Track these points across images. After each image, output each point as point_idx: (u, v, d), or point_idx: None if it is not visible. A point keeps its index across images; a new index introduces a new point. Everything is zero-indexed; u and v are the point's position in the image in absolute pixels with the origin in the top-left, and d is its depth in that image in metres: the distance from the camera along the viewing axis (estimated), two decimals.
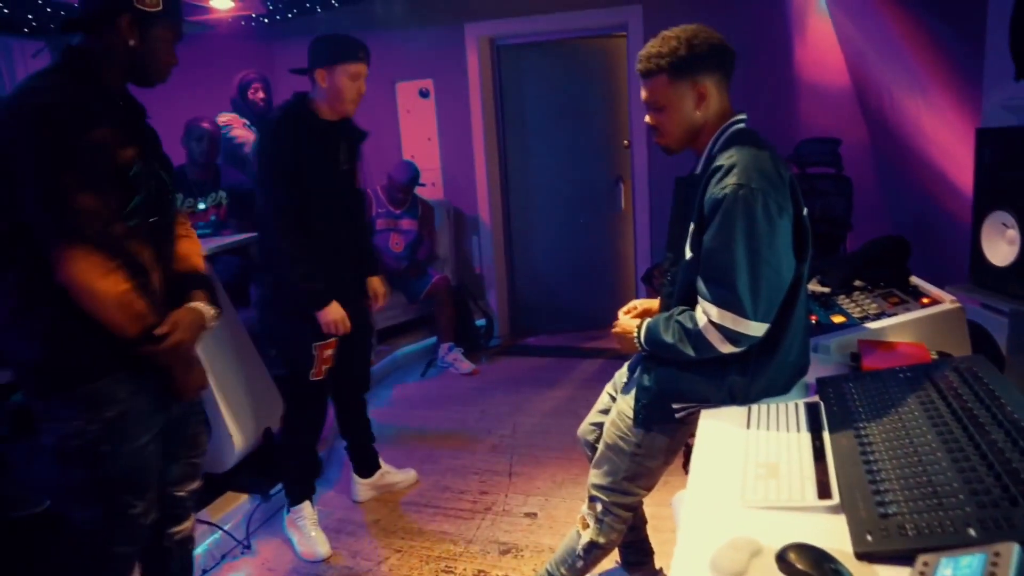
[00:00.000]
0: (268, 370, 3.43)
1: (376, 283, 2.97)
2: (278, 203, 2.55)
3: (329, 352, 2.71)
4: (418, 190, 4.87)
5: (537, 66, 5.03)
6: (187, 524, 2.00)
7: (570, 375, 4.51)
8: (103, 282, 1.52)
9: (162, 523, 1.91)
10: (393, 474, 3.21)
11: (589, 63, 4.99)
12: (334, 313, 2.63)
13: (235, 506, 2.96)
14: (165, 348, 1.65)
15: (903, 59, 3.13)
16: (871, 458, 1.27)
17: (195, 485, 1.99)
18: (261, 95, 4.14)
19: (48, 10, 3.82)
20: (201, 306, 1.78)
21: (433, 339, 4.87)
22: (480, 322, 5.14)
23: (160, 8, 1.66)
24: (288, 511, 2.88)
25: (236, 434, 2.99)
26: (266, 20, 4.82)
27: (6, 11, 3.74)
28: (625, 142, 5.01)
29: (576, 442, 2.32)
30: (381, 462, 3.18)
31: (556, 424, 3.76)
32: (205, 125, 3.64)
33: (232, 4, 3.73)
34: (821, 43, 3.94)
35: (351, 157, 2.74)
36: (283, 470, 2.91)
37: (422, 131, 5.18)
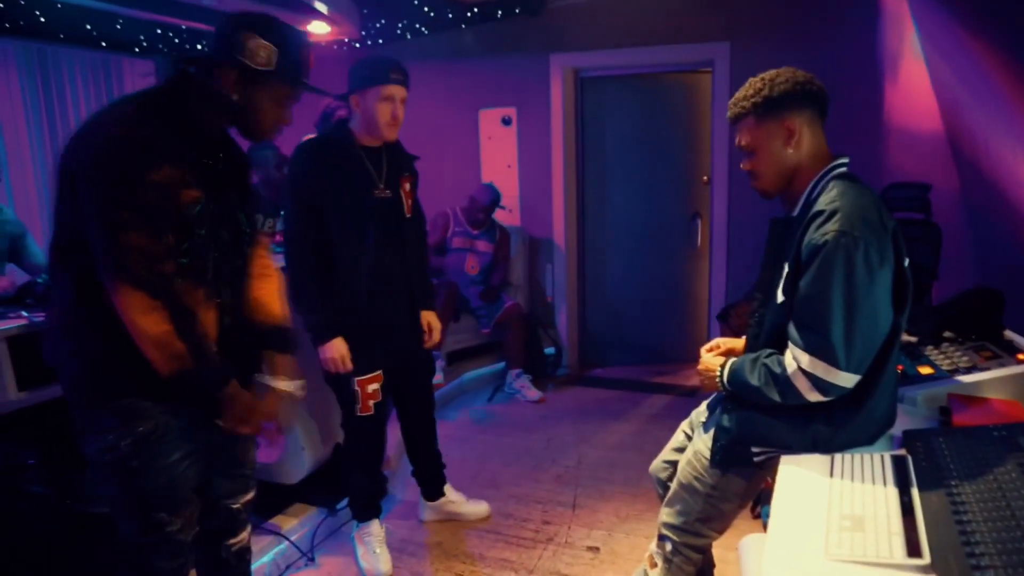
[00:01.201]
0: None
1: (430, 317, 2.86)
2: (292, 235, 2.55)
3: (373, 387, 2.67)
4: (496, 215, 4.94)
5: (620, 99, 5.06)
6: (243, 535, 2.00)
7: (637, 409, 4.47)
8: (143, 319, 1.51)
9: (219, 535, 1.93)
10: (462, 504, 3.14)
11: (672, 98, 4.99)
12: (331, 351, 2.54)
13: (302, 518, 3.02)
14: (227, 424, 1.70)
15: (1002, 106, 3.04)
16: (965, 518, 1.23)
17: (248, 497, 1.97)
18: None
19: (158, 31, 4.05)
20: (284, 385, 1.82)
21: (501, 364, 4.90)
22: (549, 350, 5.14)
23: (272, 68, 1.60)
24: (357, 525, 2.92)
25: (308, 447, 3.05)
26: (358, 45, 5.00)
27: (119, 27, 3.98)
28: (705, 178, 4.97)
29: (642, 477, 2.30)
30: (452, 491, 3.16)
31: (622, 458, 3.73)
32: (276, 144, 3.75)
33: (329, 29, 3.88)
34: (914, 86, 3.85)
35: (395, 183, 2.64)
36: (348, 489, 2.94)
37: (502, 158, 5.26)
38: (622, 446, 3.91)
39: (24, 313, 2.32)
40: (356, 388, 2.64)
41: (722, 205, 4.81)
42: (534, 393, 4.63)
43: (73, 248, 1.56)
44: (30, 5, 3.44)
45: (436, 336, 2.88)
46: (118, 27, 4.03)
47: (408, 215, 2.71)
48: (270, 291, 1.91)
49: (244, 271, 1.83)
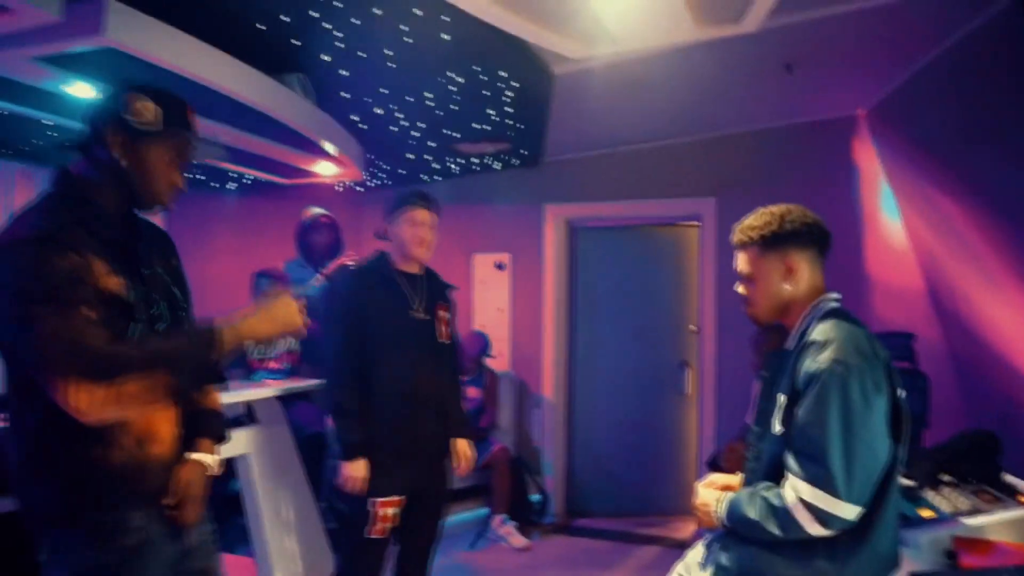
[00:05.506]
0: (322, 523, 3.39)
1: (463, 446, 2.87)
2: (334, 354, 2.62)
3: (390, 512, 2.61)
4: (486, 360, 4.96)
5: (611, 248, 5.23)
6: None
7: (625, 560, 4.29)
8: (105, 404, 1.39)
9: None
10: None
11: (662, 248, 5.17)
12: (351, 469, 2.54)
13: None
14: (179, 514, 1.64)
15: (981, 264, 3.17)
16: None
17: None
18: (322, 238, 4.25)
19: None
20: (205, 458, 1.74)
21: (486, 510, 4.74)
22: (535, 497, 5.00)
23: (160, 128, 1.56)
24: None
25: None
26: (360, 189, 5.19)
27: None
28: (693, 327, 5.05)
29: None
30: None
31: None
32: (273, 273, 3.85)
33: (336, 171, 4.04)
34: (891, 242, 4.02)
35: (431, 308, 2.75)
36: None
37: (494, 302, 5.34)
38: None
39: None
40: (373, 509, 2.57)
41: (710, 354, 4.86)
42: (519, 540, 4.45)
43: (31, 381, 1.45)
44: None
45: (466, 464, 2.88)
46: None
47: (443, 340, 2.78)
48: None
49: None
